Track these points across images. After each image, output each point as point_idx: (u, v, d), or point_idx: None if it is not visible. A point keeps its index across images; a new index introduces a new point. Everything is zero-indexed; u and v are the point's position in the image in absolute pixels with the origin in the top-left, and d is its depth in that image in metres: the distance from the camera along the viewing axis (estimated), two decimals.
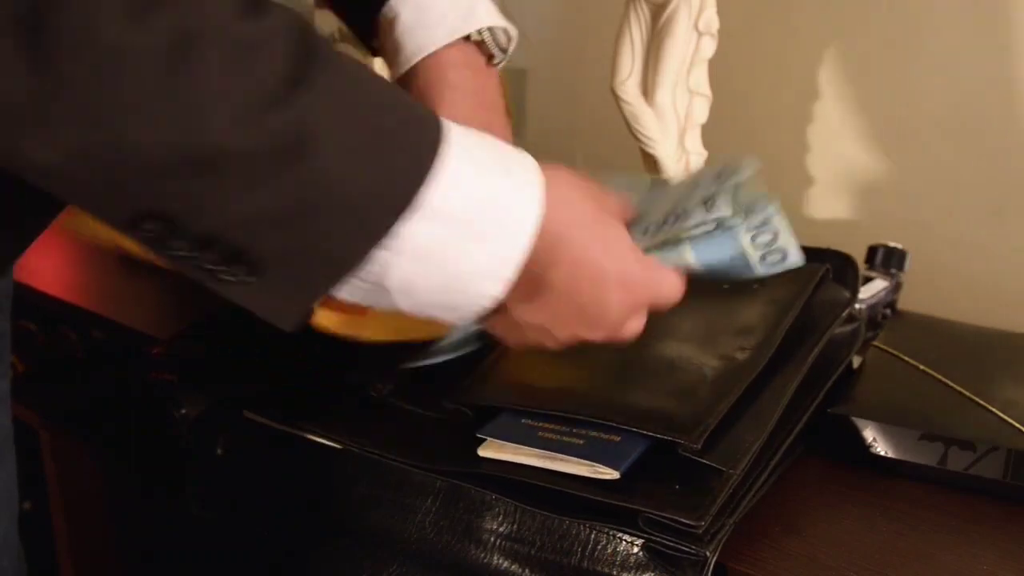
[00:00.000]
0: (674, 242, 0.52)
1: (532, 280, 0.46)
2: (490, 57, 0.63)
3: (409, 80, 0.62)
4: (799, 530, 0.59)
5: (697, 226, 0.52)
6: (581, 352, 0.64)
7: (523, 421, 0.59)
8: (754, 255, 0.52)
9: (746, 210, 0.52)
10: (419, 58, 0.61)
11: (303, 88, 0.37)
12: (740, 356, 0.62)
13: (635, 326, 0.52)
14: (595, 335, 0.50)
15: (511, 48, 0.64)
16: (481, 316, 0.47)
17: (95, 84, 0.35)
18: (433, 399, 0.63)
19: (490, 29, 0.62)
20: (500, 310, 0.47)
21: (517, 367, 0.65)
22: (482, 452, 0.58)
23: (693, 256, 0.52)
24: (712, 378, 0.60)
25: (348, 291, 0.43)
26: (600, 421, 0.57)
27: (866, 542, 0.58)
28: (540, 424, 0.58)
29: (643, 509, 0.52)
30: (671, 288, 0.52)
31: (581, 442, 0.56)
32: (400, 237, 0.41)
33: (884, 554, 0.56)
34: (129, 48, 0.35)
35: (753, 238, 0.52)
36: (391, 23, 0.62)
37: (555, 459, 0.56)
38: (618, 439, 0.56)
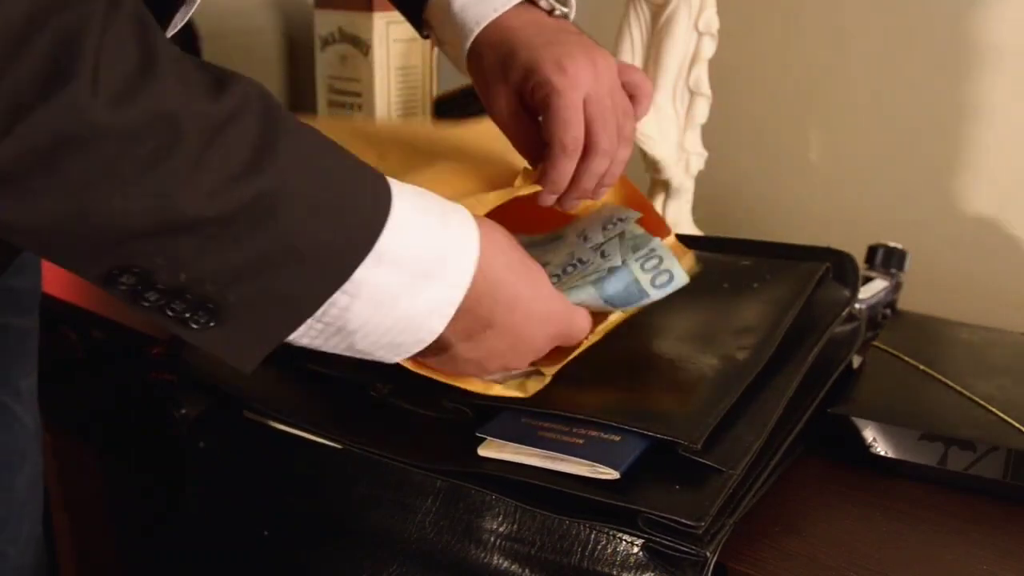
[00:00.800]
0: (580, 285, 0.61)
1: (472, 319, 0.52)
2: (551, 11, 0.65)
3: (478, 55, 0.64)
4: (799, 530, 0.59)
5: (596, 271, 0.61)
6: (582, 352, 0.65)
7: (523, 420, 0.59)
8: (645, 280, 0.60)
9: (633, 247, 0.62)
10: (481, 27, 0.63)
11: (271, 156, 0.42)
12: (740, 356, 0.62)
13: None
14: (522, 363, 0.58)
15: (571, 3, 0.66)
16: (421, 353, 0.52)
17: (80, 159, 0.38)
18: (433, 399, 0.63)
19: None
20: (440, 349, 0.53)
21: None
22: (482, 452, 0.58)
23: (596, 293, 0.60)
24: (712, 378, 0.60)
25: (306, 334, 0.47)
26: (600, 421, 0.57)
27: (866, 542, 0.58)
28: (540, 423, 0.58)
29: (643, 509, 0.52)
30: (582, 322, 0.59)
31: (581, 442, 0.56)
32: (356, 282, 0.45)
33: (884, 554, 0.56)
34: (112, 129, 0.38)
35: (642, 266, 0.60)
36: (445, 7, 0.65)
37: (555, 459, 0.56)
38: (618, 439, 0.56)
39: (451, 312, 0.50)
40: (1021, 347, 0.77)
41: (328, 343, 0.48)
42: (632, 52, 0.85)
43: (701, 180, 0.90)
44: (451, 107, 1.13)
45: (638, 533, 0.52)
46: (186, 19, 0.55)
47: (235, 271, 0.42)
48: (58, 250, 0.42)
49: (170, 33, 0.55)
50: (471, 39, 0.64)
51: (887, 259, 0.86)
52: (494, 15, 0.63)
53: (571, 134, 0.60)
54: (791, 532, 0.58)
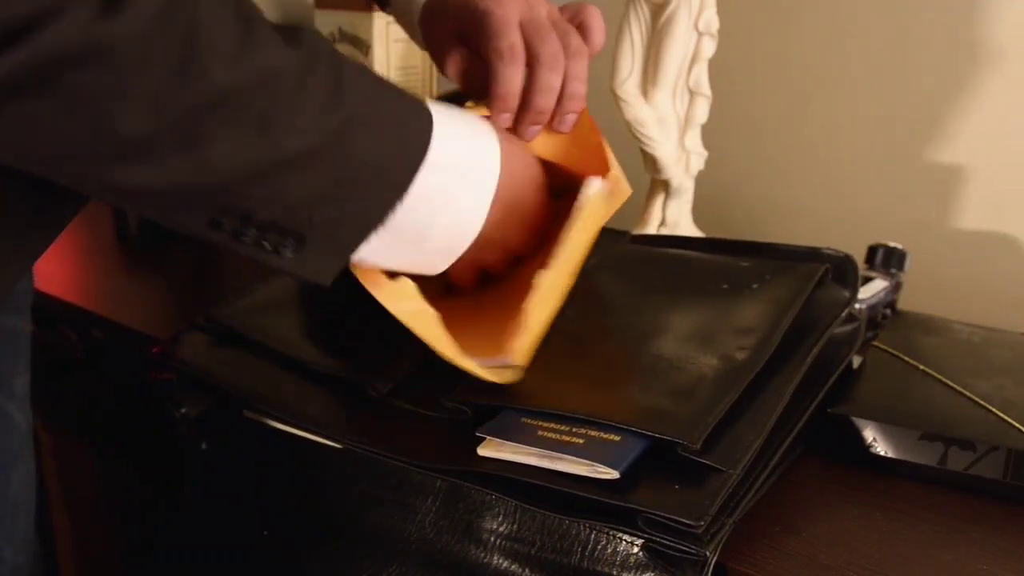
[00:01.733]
0: None
1: (500, 206, 0.59)
2: None
3: (427, 22, 0.69)
4: (799, 530, 0.59)
5: None
6: (581, 352, 0.65)
7: (523, 420, 0.59)
8: None
9: None
10: None
11: (341, 93, 0.48)
12: (739, 356, 0.62)
13: None
14: (523, 237, 0.64)
15: None
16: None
17: (209, 120, 0.44)
18: (433, 399, 0.63)
19: None
20: (482, 242, 0.59)
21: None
22: (482, 451, 0.58)
23: None
24: (712, 378, 0.60)
25: (376, 248, 0.53)
26: (600, 421, 0.57)
27: (866, 542, 0.58)
28: (540, 423, 0.58)
29: (643, 509, 0.52)
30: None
31: (581, 441, 0.56)
32: (414, 185, 0.52)
33: (884, 554, 0.56)
34: (232, 89, 0.44)
35: None
36: None
37: (554, 458, 0.56)
38: (618, 439, 0.56)
39: (487, 204, 0.57)
40: (1021, 347, 0.77)
41: (392, 254, 0.55)
42: (632, 52, 0.85)
43: (701, 180, 0.90)
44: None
45: (638, 533, 0.52)
46: None
47: (322, 195, 0.49)
48: (172, 207, 0.48)
49: None
50: (420, 5, 0.69)
51: (887, 259, 0.86)
52: None
53: (506, 41, 0.61)
54: (791, 532, 0.58)
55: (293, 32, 0.47)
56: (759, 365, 0.61)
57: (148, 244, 1.03)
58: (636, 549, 0.53)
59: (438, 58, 0.67)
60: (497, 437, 0.58)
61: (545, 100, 0.63)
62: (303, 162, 0.47)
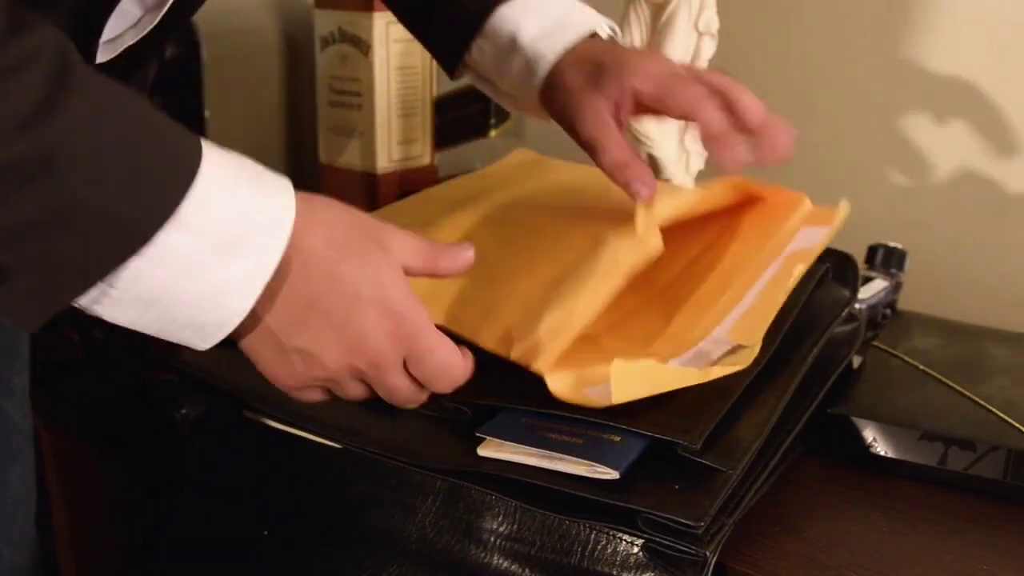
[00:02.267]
0: None
1: (289, 300, 0.48)
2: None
3: (558, 77, 0.65)
4: (799, 530, 0.59)
5: None
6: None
7: (523, 420, 0.59)
8: None
9: None
10: (558, 54, 0.65)
11: (54, 112, 0.39)
12: None
13: (399, 384, 0.53)
14: (362, 363, 0.51)
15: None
16: (238, 338, 0.49)
17: None
18: (433, 398, 0.63)
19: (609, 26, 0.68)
20: (263, 334, 0.49)
21: (517, 366, 0.65)
22: (481, 451, 0.58)
23: None
24: (708, 384, 0.60)
25: (99, 300, 0.44)
26: (599, 421, 0.57)
27: (866, 542, 0.58)
28: (540, 423, 0.58)
29: (642, 509, 0.52)
30: (431, 338, 0.51)
31: (581, 441, 0.56)
32: (152, 246, 0.43)
33: (884, 554, 0.56)
34: None
35: None
36: (507, 45, 0.67)
37: (554, 459, 0.56)
38: (618, 439, 0.56)
39: (257, 290, 0.46)
40: (1021, 347, 0.77)
41: (126, 314, 0.45)
42: None
43: (701, 180, 0.90)
44: (451, 107, 1.13)
45: (638, 533, 0.52)
46: (138, 38, 0.55)
47: (10, 231, 0.40)
48: None
49: (110, 45, 0.54)
50: (549, 65, 0.65)
51: (887, 259, 0.86)
52: (575, 38, 0.66)
53: (707, 79, 0.62)
54: (791, 532, 0.58)
55: (16, 28, 0.39)
56: (759, 365, 0.61)
57: None
58: (636, 549, 0.53)
59: (572, 114, 0.64)
60: (497, 437, 0.58)
61: (752, 114, 0.63)
62: None
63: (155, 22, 0.55)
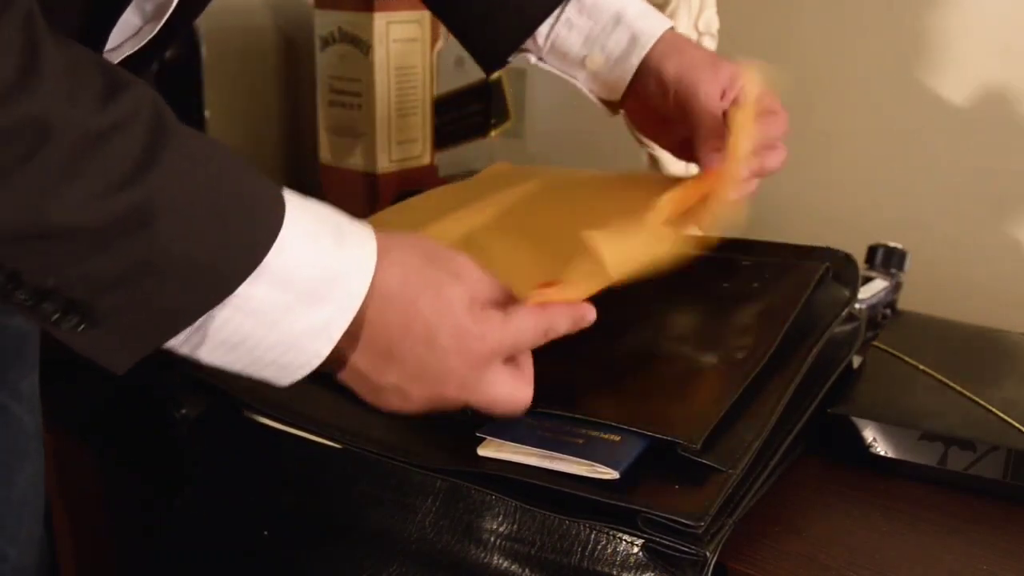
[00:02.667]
0: None
1: (371, 341, 0.50)
2: None
3: (660, 58, 0.71)
4: (799, 530, 0.59)
5: None
6: (581, 351, 0.65)
7: (523, 420, 0.59)
8: None
9: None
10: (658, 35, 0.71)
11: (151, 169, 0.41)
12: (739, 355, 0.62)
13: (501, 384, 0.54)
14: (450, 393, 0.53)
15: None
16: (332, 373, 0.51)
17: None
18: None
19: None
20: (350, 374, 0.52)
21: None
22: (482, 451, 0.58)
23: None
24: (712, 378, 0.60)
25: (186, 343, 0.47)
26: (599, 421, 0.57)
27: (866, 542, 0.58)
28: (540, 423, 0.58)
29: (642, 509, 0.52)
30: (518, 334, 0.53)
31: (581, 441, 0.56)
32: (237, 296, 0.45)
33: (884, 554, 0.56)
34: None
35: None
36: (613, 16, 0.71)
37: (554, 459, 0.56)
38: (618, 439, 0.56)
39: (337, 335, 0.48)
40: (1021, 347, 0.77)
41: (212, 355, 0.47)
42: None
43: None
44: (451, 107, 1.13)
45: (638, 533, 0.52)
46: (138, 47, 0.55)
47: (106, 279, 0.42)
48: None
49: (110, 55, 0.55)
50: (653, 40, 0.70)
51: (887, 259, 0.86)
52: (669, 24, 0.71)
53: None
54: (791, 532, 0.58)
55: (117, 85, 0.41)
56: (759, 365, 0.61)
57: None
58: (636, 549, 0.53)
59: (685, 95, 0.69)
60: (497, 437, 0.58)
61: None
62: (78, 238, 0.41)
63: (155, 31, 0.55)
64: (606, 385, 0.61)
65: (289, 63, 1.09)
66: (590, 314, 0.56)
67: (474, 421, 0.60)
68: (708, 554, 0.51)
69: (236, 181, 0.45)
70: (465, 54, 0.77)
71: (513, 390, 0.54)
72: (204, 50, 1.00)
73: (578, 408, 0.58)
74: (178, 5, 0.54)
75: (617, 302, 0.71)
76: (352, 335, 0.49)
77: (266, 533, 0.62)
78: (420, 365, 0.51)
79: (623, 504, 0.53)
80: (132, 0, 0.52)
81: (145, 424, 0.76)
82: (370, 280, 0.48)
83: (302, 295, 0.46)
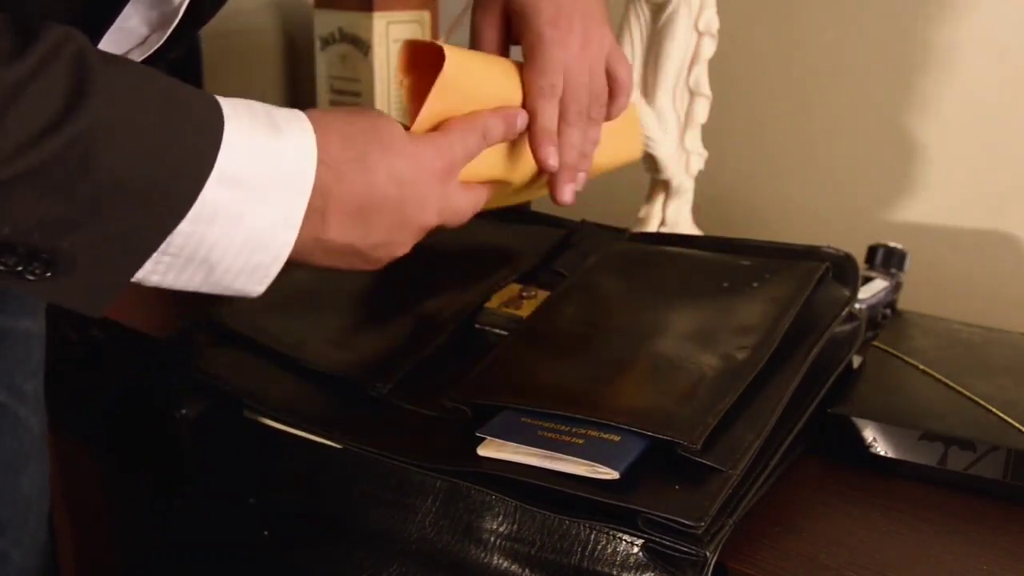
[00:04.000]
0: None
1: (341, 207, 0.52)
2: None
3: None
4: (799, 530, 0.59)
5: None
6: (581, 351, 0.65)
7: (523, 420, 0.59)
8: None
9: None
10: None
11: (81, 106, 0.41)
12: (739, 355, 0.62)
13: (464, 195, 0.59)
14: (431, 218, 0.57)
15: None
16: (307, 263, 0.53)
17: None
18: (433, 398, 0.63)
19: None
20: (337, 251, 0.53)
21: (517, 366, 0.65)
22: (482, 451, 0.58)
23: None
24: (711, 377, 0.60)
25: (155, 271, 0.47)
26: (600, 421, 0.57)
27: (866, 542, 0.58)
28: (540, 423, 0.58)
29: (642, 509, 0.52)
30: (463, 138, 0.58)
31: (581, 442, 0.56)
32: (198, 205, 0.46)
33: (884, 554, 0.56)
34: None
35: None
36: None
37: (555, 459, 0.56)
38: (617, 439, 0.56)
39: (299, 219, 0.50)
40: (1021, 347, 0.77)
41: (181, 278, 0.48)
42: (632, 52, 0.85)
43: (701, 180, 0.90)
44: None
45: (638, 533, 0.52)
46: (146, 55, 0.56)
47: (61, 221, 0.42)
48: None
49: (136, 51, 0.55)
50: None
51: (887, 259, 0.86)
52: None
53: (548, 80, 0.61)
54: (791, 532, 0.58)
55: (28, 34, 0.41)
56: (759, 365, 0.61)
57: None
58: (636, 549, 0.53)
59: (477, 20, 0.67)
60: (497, 437, 0.58)
61: (571, 156, 0.63)
62: (23, 183, 0.41)
63: (161, 41, 0.55)
64: (605, 385, 0.62)
65: (289, 63, 1.09)
66: (522, 118, 0.61)
67: (474, 421, 0.60)
68: (708, 554, 0.51)
69: (170, 98, 0.45)
70: None
71: (475, 196, 0.60)
72: (204, 50, 1.00)
73: (577, 408, 0.58)
74: (185, 15, 0.54)
75: (616, 302, 0.71)
76: (318, 211, 0.50)
77: (266, 533, 0.62)
78: (398, 207, 0.54)
79: (623, 504, 0.53)
80: (124, 7, 0.52)
81: (146, 424, 0.76)
82: (314, 154, 0.50)
83: (256, 188, 0.47)
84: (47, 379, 0.77)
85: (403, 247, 0.57)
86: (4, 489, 0.69)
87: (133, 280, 0.47)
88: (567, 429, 0.57)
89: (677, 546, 0.51)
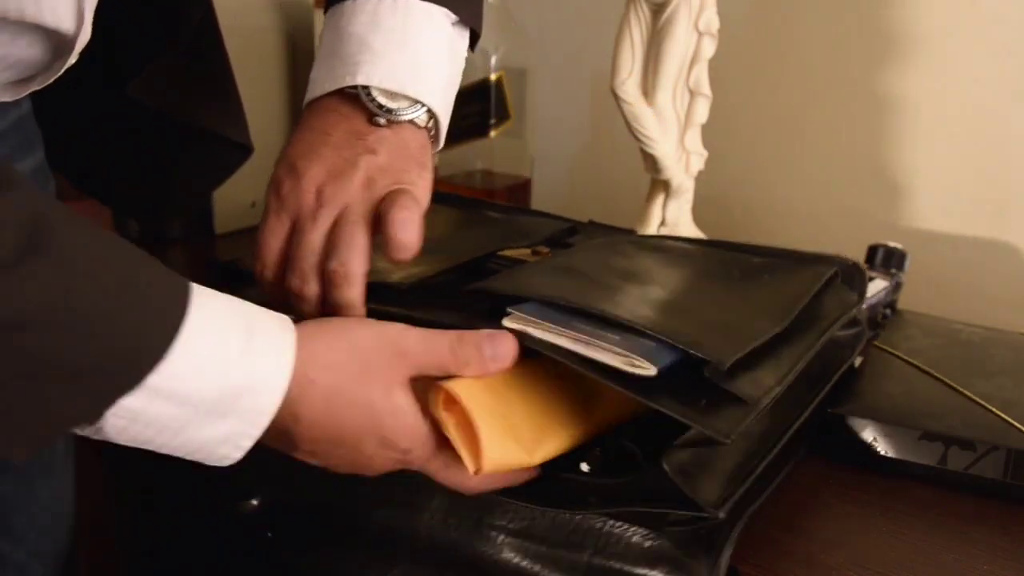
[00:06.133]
0: None
1: (294, 442, 0.47)
2: (371, 117, 0.56)
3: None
4: (799, 530, 0.59)
5: None
6: (606, 285, 0.59)
7: (555, 310, 0.53)
8: None
9: None
10: (308, 99, 0.58)
11: (20, 274, 0.38)
12: (761, 319, 0.58)
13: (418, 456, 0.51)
14: (371, 474, 0.51)
15: (427, 123, 0.58)
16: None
17: None
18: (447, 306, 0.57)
19: (367, 88, 0.55)
20: (276, 442, 0.48)
21: (544, 275, 0.59)
22: (507, 323, 0.51)
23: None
24: (737, 324, 0.56)
25: (96, 435, 0.43)
26: (636, 325, 0.52)
27: (866, 542, 0.58)
28: (573, 317, 0.52)
29: (671, 413, 0.48)
30: (435, 465, 0.51)
31: (617, 337, 0.51)
32: (125, 410, 0.42)
33: (884, 554, 0.57)
34: None
35: None
36: (319, 43, 0.60)
37: (589, 344, 0.50)
38: (653, 345, 0.51)
39: (248, 445, 0.46)
40: (1020, 347, 0.77)
41: (120, 442, 0.44)
42: (632, 52, 0.85)
43: (701, 180, 0.90)
44: None
45: (651, 527, 0.51)
46: (49, 81, 0.52)
47: None
48: None
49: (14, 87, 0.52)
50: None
51: (887, 259, 0.86)
52: (319, 92, 0.57)
53: (258, 247, 0.55)
54: (791, 532, 0.58)
55: None
56: (778, 327, 0.57)
57: (149, 246, 1.02)
58: (648, 544, 0.52)
59: None
60: (528, 315, 0.52)
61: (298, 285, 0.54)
62: None
63: (64, 68, 0.51)
64: (636, 305, 0.57)
65: (289, 63, 1.09)
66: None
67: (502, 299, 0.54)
68: (722, 516, 0.49)
69: (125, 284, 0.41)
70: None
71: (455, 479, 0.51)
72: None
73: (612, 310, 0.53)
74: (99, 39, 0.51)
75: (634, 263, 0.68)
76: (267, 433, 0.46)
77: (270, 535, 0.62)
78: (349, 463, 0.50)
79: (655, 405, 0.48)
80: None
81: None
82: (281, 398, 0.45)
83: (200, 410, 0.43)
84: None
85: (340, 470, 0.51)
86: (19, 498, 0.68)
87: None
88: (602, 325, 0.52)
89: (692, 514, 0.49)
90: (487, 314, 0.53)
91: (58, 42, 0.50)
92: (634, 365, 0.49)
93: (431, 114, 0.57)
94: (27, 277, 0.38)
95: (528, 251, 0.73)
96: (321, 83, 0.57)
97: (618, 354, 0.50)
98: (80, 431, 0.43)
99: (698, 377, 0.50)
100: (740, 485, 0.54)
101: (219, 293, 0.45)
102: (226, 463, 0.46)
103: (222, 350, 0.43)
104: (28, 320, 0.38)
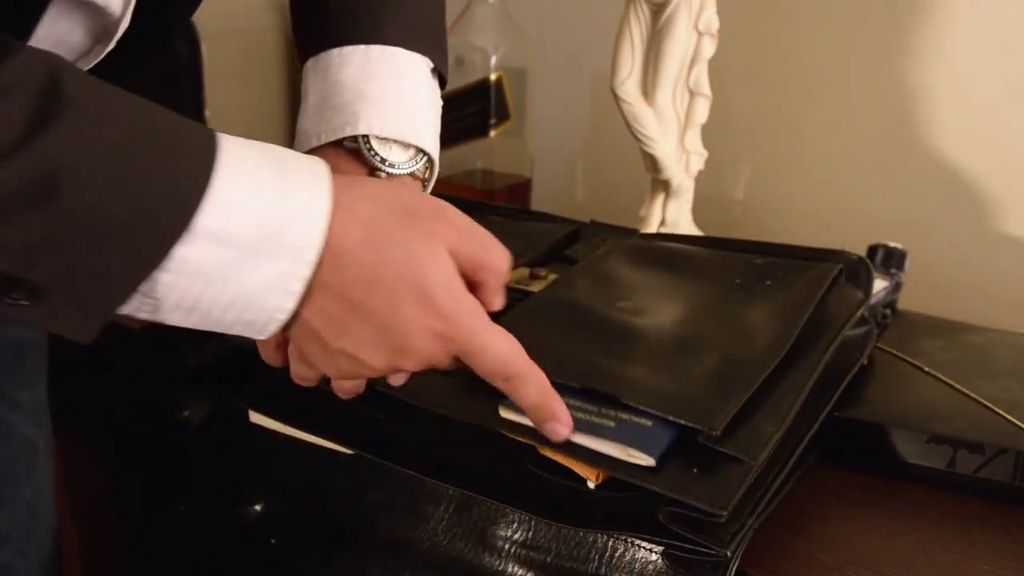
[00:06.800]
0: None
1: (331, 296, 0.46)
2: (372, 170, 0.55)
3: None
4: (799, 530, 0.59)
5: None
6: (596, 325, 0.61)
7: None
8: None
9: None
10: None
11: (48, 127, 0.38)
12: (759, 343, 0.60)
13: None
14: (410, 365, 0.49)
15: (422, 172, 0.57)
16: (285, 331, 0.47)
17: None
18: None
19: (366, 138, 0.54)
20: (306, 333, 0.47)
21: (532, 334, 0.57)
22: (504, 413, 0.54)
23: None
24: (731, 364, 0.58)
25: (140, 308, 0.43)
26: (630, 404, 0.54)
27: (866, 542, 0.58)
28: (566, 399, 0.53)
29: (667, 492, 0.49)
30: (483, 334, 0.48)
31: (612, 424, 0.53)
32: (176, 259, 0.41)
33: (884, 554, 0.57)
34: None
35: None
36: (306, 93, 0.58)
37: (586, 437, 0.52)
38: (649, 424, 0.53)
39: (298, 288, 0.44)
40: (1022, 348, 0.77)
41: (173, 319, 0.44)
42: (632, 52, 0.85)
43: (701, 180, 0.90)
44: (451, 107, 1.13)
45: (657, 539, 0.51)
46: (91, 65, 0.52)
47: (29, 251, 0.40)
48: None
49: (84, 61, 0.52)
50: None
51: (887, 259, 0.86)
52: (314, 144, 0.55)
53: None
54: (792, 532, 0.58)
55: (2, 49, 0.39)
56: (778, 357, 0.59)
57: None
58: (655, 557, 0.52)
59: None
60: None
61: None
62: None
63: (103, 54, 0.52)
64: (626, 361, 0.58)
65: (289, 63, 1.09)
66: (561, 425, 0.52)
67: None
68: (728, 554, 0.50)
69: (156, 132, 0.41)
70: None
71: (502, 351, 0.49)
72: (204, 50, 0.99)
73: (602, 382, 0.55)
74: (138, 26, 0.51)
75: (630, 285, 0.69)
76: (308, 292, 0.45)
77: (273, 542, 0.61)
78: (383, 332, 0.47)
79: (647, 486, 0.50)
80: (43, 13, 0.48)
81: (150, 428, 0.76)
82: (324, 228, 0.44)
83: (246, 250, 0.43)
84: (49, 381, 0.76)
85: (364, 371, 0.49)
86: (2, 498, 0.68)
87: (124, 313, 0.43)
88: (596, 409, 0.54)
89: (698, 548, 0.49)
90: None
91: (101, 26, 0.50)
92: (631, 455, 0.51)
93: (428, 163, 0.56)
94: (53, 136, 0.39)
95: (526, 273, 0.73)
96: (316, 134, 0.55)
97: (615, 445, 0.52)
98: (131, 310, 0.43)
99: (695, 442, 0.52)
100: (760, 498, 0.54)
101: (249, 142, 0.44)
102: (272, 329, 0.45)
103: (258, 184, 0.43)
104: (66, 180, 0.39)
